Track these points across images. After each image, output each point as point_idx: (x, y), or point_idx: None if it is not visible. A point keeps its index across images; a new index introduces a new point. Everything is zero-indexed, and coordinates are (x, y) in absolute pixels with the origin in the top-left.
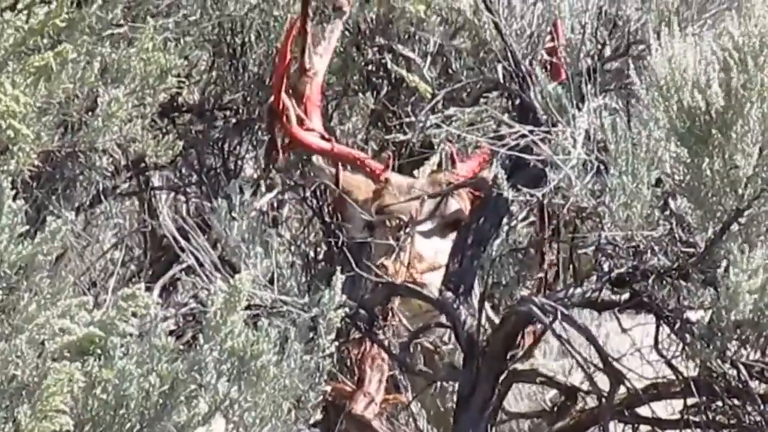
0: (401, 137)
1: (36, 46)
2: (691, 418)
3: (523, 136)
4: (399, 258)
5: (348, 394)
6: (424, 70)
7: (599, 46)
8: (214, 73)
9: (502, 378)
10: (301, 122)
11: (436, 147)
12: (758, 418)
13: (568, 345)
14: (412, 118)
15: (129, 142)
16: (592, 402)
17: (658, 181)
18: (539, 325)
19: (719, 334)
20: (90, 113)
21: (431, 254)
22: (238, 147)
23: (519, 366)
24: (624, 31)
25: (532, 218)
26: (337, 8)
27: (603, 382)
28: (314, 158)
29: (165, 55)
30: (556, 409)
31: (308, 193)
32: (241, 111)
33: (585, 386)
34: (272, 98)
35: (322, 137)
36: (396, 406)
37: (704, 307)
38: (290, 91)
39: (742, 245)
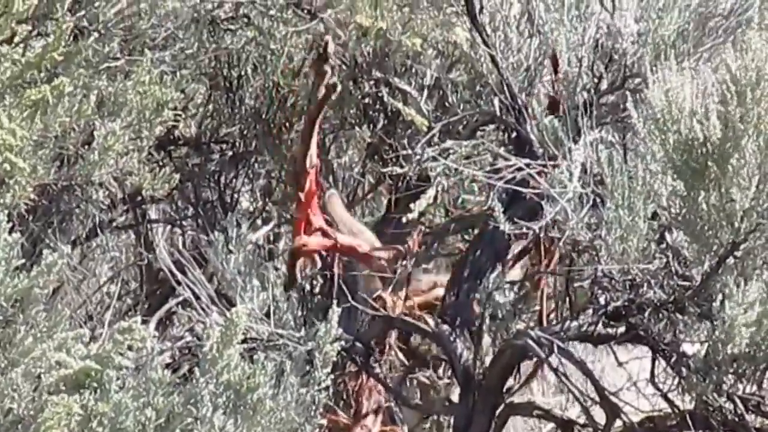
0: (398, 170)
1: (33, 79)
2: None
3: (520, 169)
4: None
5: (345, 427)
6: (421, 103)
7: (596, 80)
8: (210, 107)
9: (498, 411)
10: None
11: (432, 180)
12: None
13: (565, 378)
14: (409, 151)
15: (125, 175)
16: None
17: (654, 215)
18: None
19: (715, 367)
20: (86, 146)
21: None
22: (234, 180)
23: (516, 399)
24: (620, 64)
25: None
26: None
27: (600, 416)
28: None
29: (161, 88)
30: None
31: None
32: (237, 144)
33: (582, 420)
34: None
35: (324, 232)
36: None
37: (700, 340)
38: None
39: (738, 279)
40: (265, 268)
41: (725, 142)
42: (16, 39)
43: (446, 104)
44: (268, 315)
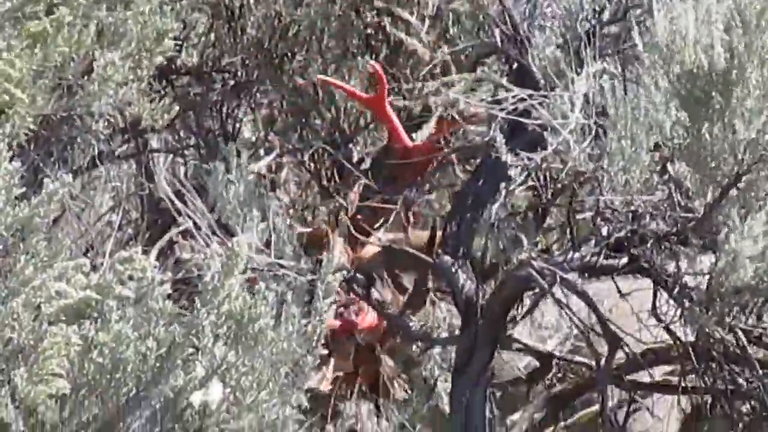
0: (401, 103)
1: (32, 10)
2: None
3: (522, 100)
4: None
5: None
6: (422, 33)
7: (598, 10)
8: (212, 36)
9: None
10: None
11: (434, 111)
12: (756, 384)
13: (567, 309)
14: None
15: (126, 105)
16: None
17: (657, 146)
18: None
19: (718, 299)
20: (86, 77)
21: None
22: (236, 110)
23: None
24: None
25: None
26: None
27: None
28: None
29: (161, 17)
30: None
31: (306, 157)
32: (239, 74)
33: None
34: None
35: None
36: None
37: (703, 272)
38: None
39: (741, 210)
40: (268, 198)
41: (730, 71)
42: None
43: (447, 36)
44: (268, 245)
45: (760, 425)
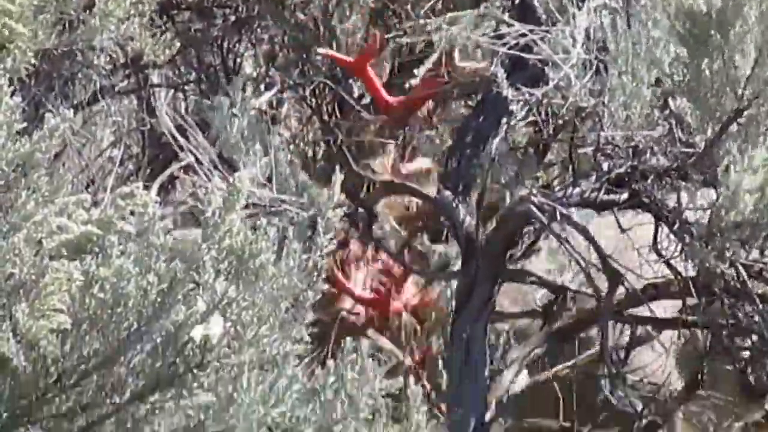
0: (403, 40)
1: None
2: (688, 318)
3: (523, 35)
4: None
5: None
6: None
7: None
8: None
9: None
10: None
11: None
12: (756, 319)
13: (567, 244)
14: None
15: (127, 40)
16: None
17: (658, 81)
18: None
19: (718, 234)
20: (87, 12)
21: None
22: (237, 45)
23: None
24: None
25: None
26: None
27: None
28: None
29: None
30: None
31: (308, 92)
32: (240, 9)
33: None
34: None
35: None
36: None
37: (704, 207)
38: None
39: (741, 145)
40: (270, 133)
41: (726, 9)
42: None
43: None
44: (270, 180)
45: (760, 360)
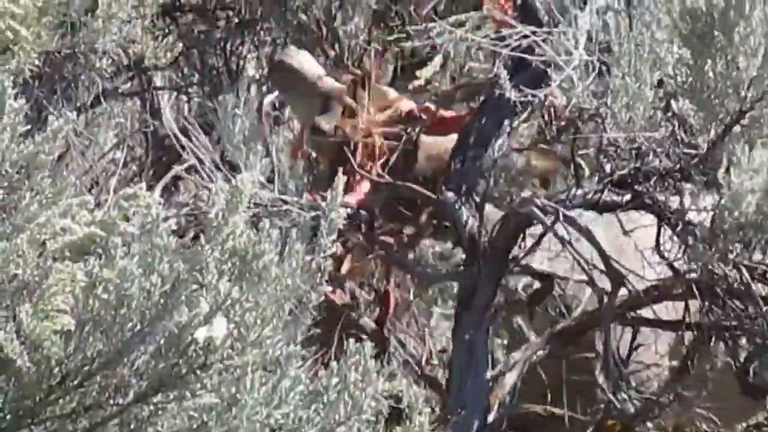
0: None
1: None
2: (692, 320)
3: (525, 36)
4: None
5: None
6: None
7: None
8: None
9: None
10: None
11: (438, 48)
12: (760, 320)
13: (569, 246)
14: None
15: (129, 42)
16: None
17: (661, 83)
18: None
19: (721, 235)
20: (90, 14)
21: None
22: (240, 47)
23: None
24: None
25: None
26: None
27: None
28: None
29: None
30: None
31: None
32: (243, 11)
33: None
34: None
35: None
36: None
37: (706, 208)
38: None
39: (744, 147)
40: (274, 132)
41: (729, 10)
42: None
43: None
44: (271, 181)
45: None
